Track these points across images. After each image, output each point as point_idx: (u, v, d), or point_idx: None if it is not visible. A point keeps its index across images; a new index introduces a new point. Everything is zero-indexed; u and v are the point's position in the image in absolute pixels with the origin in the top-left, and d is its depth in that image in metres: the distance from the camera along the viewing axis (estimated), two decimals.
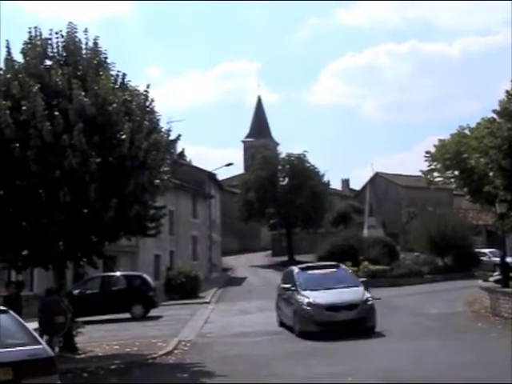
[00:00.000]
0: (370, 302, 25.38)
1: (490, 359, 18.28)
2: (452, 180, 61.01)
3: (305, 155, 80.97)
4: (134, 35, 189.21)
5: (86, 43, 22.56)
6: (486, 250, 59.57)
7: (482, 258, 56.21)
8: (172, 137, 24.59)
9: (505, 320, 26.23)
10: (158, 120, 23.42)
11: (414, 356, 19.46)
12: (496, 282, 31.25)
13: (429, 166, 62.90)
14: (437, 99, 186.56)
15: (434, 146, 60.76)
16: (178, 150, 74.13)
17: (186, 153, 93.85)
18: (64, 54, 22.49)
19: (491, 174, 38.28)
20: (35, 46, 22.00)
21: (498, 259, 43.09)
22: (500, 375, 15.41)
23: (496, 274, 36.90)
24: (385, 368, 17.36)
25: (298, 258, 74.79)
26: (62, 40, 22.47)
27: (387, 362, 18.44)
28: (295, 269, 28.54)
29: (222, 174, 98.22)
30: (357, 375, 16.44)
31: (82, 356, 22.08)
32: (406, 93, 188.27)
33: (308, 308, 24.75)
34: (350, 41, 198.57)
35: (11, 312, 12.33)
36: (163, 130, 23.57)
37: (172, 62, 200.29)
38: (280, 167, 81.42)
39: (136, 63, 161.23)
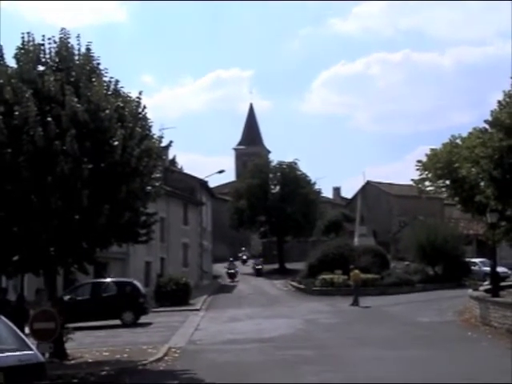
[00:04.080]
0: None
1: (480, 369, 18.35)
2: (443, 189, 61.11)
3: (296, 163, 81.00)
4: (127, 43, 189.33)
5: (79, 49, 22.56)
6: (477, 260, 59.79)
7: (473, 267, 56.36)
8: (164, 144, 24.64)
9: (495, 329, 26.33)
10: (150, 127, 23.43)
11: (403, 365, 19.50)
12: (486, 291, 31.33)
13: (420, 175, 62.98)
14: (429, 109, 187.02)
15: (426, 155, 60.87)
16: (170, 157, 74.21)
17: (177, 160, 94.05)
18: (57, 60, 22.48)
19: (482, 183, 38.44)
20: (28, 52, 21.99)
21: (488, 269, 43.19)
22: None
23: (486, 283, 37.01)
24: (374, 376, 17.41)
25: (288, 265, 74.83)
26: (55, 46, 22.46)
27: (376, 371, 18.48)
28: None
29: (214, 182, 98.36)
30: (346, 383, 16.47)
31: (72, 362, 22.07)
32: (398, 102, 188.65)
33: None
34: (343, 50, 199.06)
35: (2, 317, 12.33)
36: (155, 136, 23.58)
37: (165, 69, 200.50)
38: (271, 175, 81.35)
39: (129, 71, 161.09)
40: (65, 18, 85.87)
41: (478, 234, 71.21)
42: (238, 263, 76.22)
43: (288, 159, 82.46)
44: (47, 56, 22.48)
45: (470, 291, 33.58)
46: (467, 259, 57.75)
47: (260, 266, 76.67)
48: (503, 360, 19.75)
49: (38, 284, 25.04)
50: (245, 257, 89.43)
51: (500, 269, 39.22)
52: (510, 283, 37.58)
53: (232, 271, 70.52)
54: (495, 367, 18.55)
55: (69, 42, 22.55)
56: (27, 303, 22.23)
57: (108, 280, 38.79)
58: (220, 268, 77.32)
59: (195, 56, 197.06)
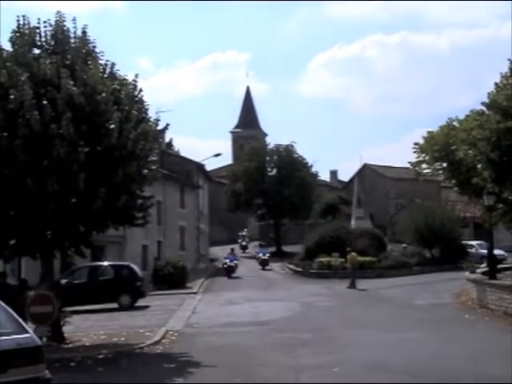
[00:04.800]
0: None
1: (476, 351, 18.38)
2: (440, 172, 61.11)
3: (293, 146, 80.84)
4: (123, 26, 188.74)
5: (75, 32, 22.49)
6: (474, 242, 59.77)
7: (470, 250, 56.34)
8: (160, 127, 24.60)
9: (491, 312, 26.39)
10: (147, 110, 23.42)
11: (400, 347, 19.54)
12: (483, 274, 31.38)
13: (417, 157, 62.98)
14: (426, 91, 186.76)
15: (423, 137, 60.84)
16: (166, 140, 74.07)
17: (173, 143, 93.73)
18: (52, 43, 22.41)
19: (479, 166, 38.40)
20: (23, 35, 21.91)
21: (485, 251, 43.26)
22: (486, 366, 15.49)
23: (483, 266, 37.04)
24: (371, 359, 17.44)
25: (285, 248, 74.83)
26: (51, 29, 22.39)
27: (374, 353, 18.52)
28: None
29: (211, 165, 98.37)
30: (343, 365, 16.52)
31: (70, 345, 22.09)
32: (395, 85, 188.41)
33: None
34: (340, 32, 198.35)
35: None
36: (152, 119, 23.54)
37: (161, 52, 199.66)
38: (268, 158, 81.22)
39: (126, 54, 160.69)
40: (61, 3, 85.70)
41: (475, 217, 71.23)
42: (236, 247, 74.34)
43: (285, 142, 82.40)
44: (43, 39, 22.43)
45: (466, 274, 33.62)
46: (464, 242, 57.78)
47: (266, 256, 62.98)
48: (500, 342, 19.80)
49: (36, 268, 24.97)
50: (244, 243, 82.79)
51: (497, 251, 39.25)
52: (506, 266, 37.63)
53: (232, 264, 55.21)
54: (492, 349, 18.60)
55: (64, 25, 22.49)
56: (29, 287, 22.17)
57: (105, 263, 38.79)
58: (217, 251, 77.32)
59: (192, 39, 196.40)
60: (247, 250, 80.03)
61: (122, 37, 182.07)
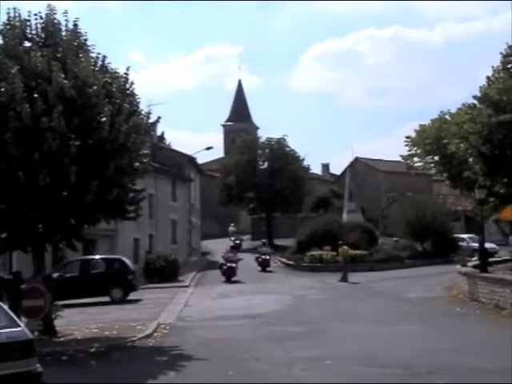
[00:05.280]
0: None
1: (468, 344, 18.43)
2: (432, 165, 61.39)
3: (285, 139, 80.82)
4: (115, 19, 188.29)
5: (66, 25, 22.39)
6: (465, 236, 59.93)
7: (461, 243, 56.47)
8: (152, 120, 24.54)
9: (483, 305, 26.44)
10: (138, 103, 23.35)
11: (392, 340, 19.56)
12: (474, 267, 31.44)
13: (409, 150, 63.24)
14: (418, 85, 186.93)
15: (415, 131, 61.08)
16: (158, 133, 73.96)
17: (165, 136, 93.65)
18: (43, 36, 22.31)
19: (471, 159, 38.50)
20: (14, 27, 21.81)
21: (476, 245, 43.33)
22: (479, 359, 15.52)
23: (474, 259, 37.13)
24: (363, 352, 17.46)
25: (277, 242, 74.82)
26: (41, 21, 22.30)
27: (365, 346, 18.54)
28: None
29: (202, 158, 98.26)
30: (335, 359, 16.52)
31: (62, 339, 22.04)
32: (387, 79, 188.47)
33: None
34: (332, 25, 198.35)
35: None
36: (143, 113, 23.49)
37: (154, 45, 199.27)
38: (260, 151, 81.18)
39: (117, 47, 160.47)
40: None
41: (467, 210, 71.48)
42: (222, 241, 71.80)
43: (277, 135, 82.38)
44: (33, 32, 22.33)
45: (458, 267, 33.69)
46: (455, 235, 57.90)
47: (267, 256, 52.96)
48: (492, 335, 19.89)
49: (27, 261, 24.91)
50: (238, 241, 73.01)
51: (488, 245, 39.35)
52: (498, 259, 37.73)
53: (232, 265, 45.36)
54: (484, 342, 18.64)
55: (55, 18, 22.41)
56: (23, 281, 22.09)
57: (97, 257, 38.74)
58: (209, 244, 77.30)
59: (184, 32, 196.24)
60: (240, 250, 66.50)
61: (114, 30, 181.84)
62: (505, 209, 35.00)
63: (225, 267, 45.49)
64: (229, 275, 44.63)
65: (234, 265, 45.56)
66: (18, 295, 20.43)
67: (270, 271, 51.25)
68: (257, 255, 54.31)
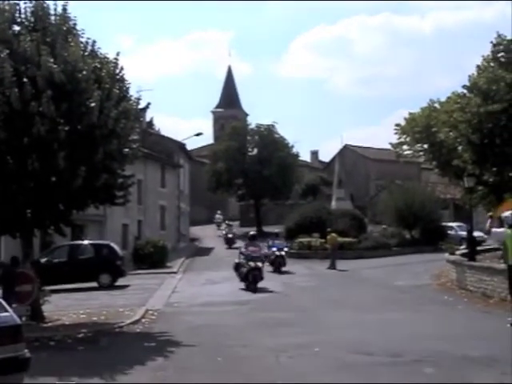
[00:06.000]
0: None
1: (455, 332, 18.47)
2: (421, 153, 61.43)
3: (274, 126, 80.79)
4: (103, 3, 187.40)
5: (55, 9, 22.26)
6: (453, 224, 60.05)
7: (449, 231, 56.58)
8: (141, 106, 24.49)
9: (471, 293, 26.53)
10: (128, 88, 23.29)
11: (380, 328, 19.61)
12: (462, 255, 31.51)
13: (398, 138, 63.24)
14: (408, 73, 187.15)
15: (404, 119, 61.07)
16: (147, 119, 73.80)
17: (154, 122, 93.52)
18: (32, 20, 22.17)
19: (460, 148, 38.62)
20: (3, 11, 21.67)
21: (464, 233, 43.39)
22: (466, 347, 15.57)
23: (463, 247, 37.22)
24: (352, 339, 17.50)
25: (266, 229, 74.85)
26: (31, 5, 22.18)
27: (353, 334, 18.57)
28: None
29: (192, 144, 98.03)
30: (323, 346, 16.54)
31: (49, 324, 22.00)
32: (378, 66, 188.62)
33: None
34: (322, 12, 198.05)
35: None
36: (133, 98, 23.42)
37: (143, 31, 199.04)
38: (249, 138, 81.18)
39: (106, 32, 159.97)
40: None
41: (455, 199, 71.61)
42: (211, 227, 70.52)
43: (266, 122, 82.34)
44: (22, 16, 22.17)
45: (446, 255, 33.75)
46: (444, 223, 58.05)
47: (283, 252, 42.15)
48: (479, 323, 19.95)
49: (16, 246, 24.85)
50: (230, 235, 64.59)
51: (476, 233, 39.44)
52: (486, 247, 37.80)
53: (258, 264, 31.25)
54: (471, 330, 18.70)
55: (44, 2, 22.25)
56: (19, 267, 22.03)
57: (85, 242, 38.69)
58: (197, 231, 77.30)
59: (173, 17, 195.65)
60: (234, 244, 61.50)
61: (102, 14, 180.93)
62: (505, 202, 34.79)
63: (245, 268, 31.57)
64: (254, 279, 30.97)
65: (260, 264, 31.68)
66: (13, 280, 20.42)
67: (289, 272, 40.48)
68: (269, 251, 40.76)
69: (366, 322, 20.69)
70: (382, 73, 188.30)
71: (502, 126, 34.18)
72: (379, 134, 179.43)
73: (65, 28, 22.06)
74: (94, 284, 35.55)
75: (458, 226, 57.87)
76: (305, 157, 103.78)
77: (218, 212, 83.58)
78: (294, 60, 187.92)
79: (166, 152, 65.15)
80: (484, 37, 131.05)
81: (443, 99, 51.86)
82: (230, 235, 64.97)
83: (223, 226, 71.15)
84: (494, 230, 26.99)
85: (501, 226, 27.19)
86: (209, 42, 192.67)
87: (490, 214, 29.35)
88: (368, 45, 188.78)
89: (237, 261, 33.19)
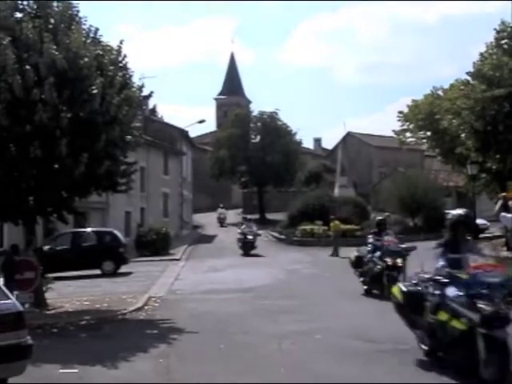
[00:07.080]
0: None
1: None
2: (424, 141, 61.43)
3: (277, 113, 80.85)
4: None
5: None
6: None
7: None
8: (144, 93, 24.45)
9: None
10: (131, 76, 23.23)
11: (382, 315, 19.58)
12: None
13: (401, 126, 63.24)
14: (411, 61, 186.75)
15: (407, 106, 61.03)
16: (150, 106, 73.77)
17: (157, 110, 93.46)
18: (35, 7, 22.15)
19: (463, 135, 38.55)
20: None
21: None
22: None
23: None
24: (353, 326, 17.49)
25: (269, 216, 74.91)
26: None
27: (356, 321, 18.57)
28: None
29: (194, 132, 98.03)
30: (325, 333, 16.55)
31: (52, 312, 22.02)
32: (381, 54, 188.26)
33: None
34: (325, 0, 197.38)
35: None
36: (135, 86, 23.38)
37: (146, 18, 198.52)
38: (252, 125, 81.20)
39: (109, 20, 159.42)
40: None
41: (458, 186, 71.47)
42: (214, 214, 70.01)
43: (269, 109, 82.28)
44: (25, 2, 22.14)
45: None
46: (447, 211, 57.89)
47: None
48: None
49: (18, 233, 24.90)
50: (250, 236, 45.51)
51: (479, 221, 39.40)
52: (488, 235, 37.78)
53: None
54: None
55: None
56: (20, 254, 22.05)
57: (88, 230, 38.71)
58: (200, 218, 77.28)
59: (176, 4, 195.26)
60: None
61: (106, 2, 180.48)
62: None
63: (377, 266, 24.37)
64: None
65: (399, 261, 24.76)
66: (14, 268, 20.45)
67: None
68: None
69: (369, 310, 20.67)
70: (386, 60, 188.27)
71: (506, 113, 34.14)
72: (382, 122, 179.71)
73: (67, 15, 22.02)
74: (97, 271, 35.60)
75: None
76: (308, 144, 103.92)
77: (221, 205, 78.94)
78: (297, 47, 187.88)
79: (169, 139, 65.11)
80: (487, 25, 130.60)
81: (446, 87, 51.83)
82: (249, 236, 45.84)
83: (243, 226, 47.88)
84: (503, 214, 26.80)
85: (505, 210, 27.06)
86: (212, 30, 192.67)
87: (504, 194, 29.13)
88: (372, 32, 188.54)
89: (356, 253, 26.31)
